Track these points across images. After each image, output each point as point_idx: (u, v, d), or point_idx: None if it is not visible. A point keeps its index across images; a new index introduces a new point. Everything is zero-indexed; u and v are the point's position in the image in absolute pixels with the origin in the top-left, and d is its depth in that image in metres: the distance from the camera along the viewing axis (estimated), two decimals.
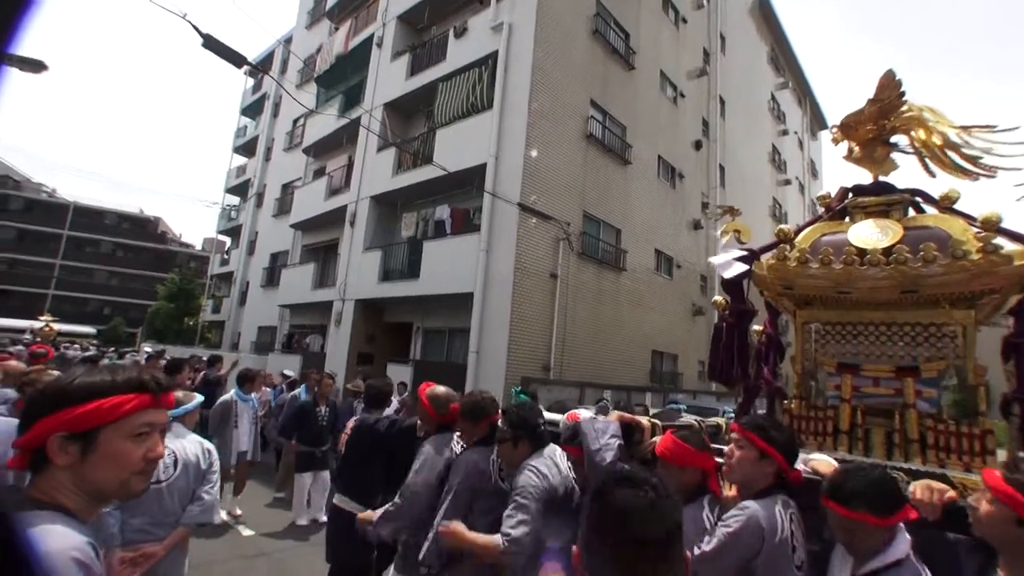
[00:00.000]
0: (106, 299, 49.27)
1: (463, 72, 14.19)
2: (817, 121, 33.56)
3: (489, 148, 12.67)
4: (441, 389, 3.56)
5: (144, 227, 54.58)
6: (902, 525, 1.83)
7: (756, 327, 3.84)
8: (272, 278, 21.60)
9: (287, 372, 12.20)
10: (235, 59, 8.48)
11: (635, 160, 15.55)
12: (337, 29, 20.03)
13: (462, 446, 3.20)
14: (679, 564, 1.25)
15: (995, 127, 2.99)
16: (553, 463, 2.77)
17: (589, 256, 13.65)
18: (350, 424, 4.43)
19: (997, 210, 2.78)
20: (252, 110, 31.11)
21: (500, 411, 3.20)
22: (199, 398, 3.75)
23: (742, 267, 3.43)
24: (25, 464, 1.14)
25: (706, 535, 2.14)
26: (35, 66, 7.20)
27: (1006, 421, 2.80)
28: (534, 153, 12.38)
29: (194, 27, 7.49)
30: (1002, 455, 2.71)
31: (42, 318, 22.55)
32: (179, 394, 3.60)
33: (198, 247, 58.16)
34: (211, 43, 7.75)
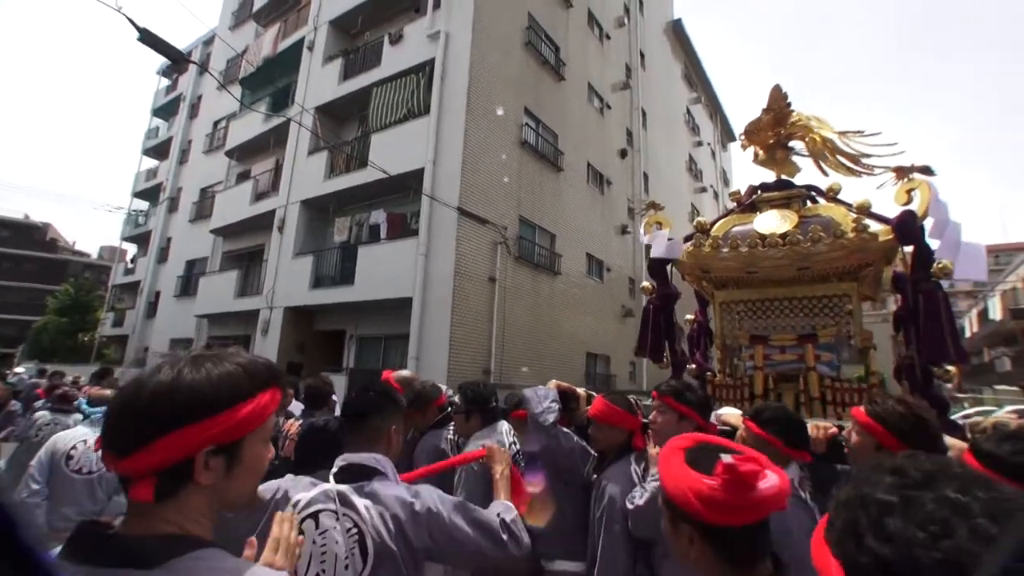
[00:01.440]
0: None
1: (399, 78, 14.25)
2: (727, 134, 35.86)
3: (427, 153, 12.79)
4: (406, 372, 3.86)
5: (29, 234, 49.55)
6: (795, 463, 2.14)
7: (688, 316, 4.49)
8: (188, 287, 20.57)
9: None
10: (173, 54, 8.26)
11: (567, 167, 16.11)
12: (264, 31, 19.53)
13: (452, 435, 3.34)
14: None
15: (863, 132, 3.66)
16: (498, 439, 3.01)
17: (526, 260, 13.99)
18: (292, 428, 4.00)
19: (868, 197, 3.44)
20: (165, 111, 29.39)
21: (444, 394, 3.51)
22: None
23: (670, 245, 3.99)
24: (152, 492, 0.89)
25: (635, 487, 2.39)
26: None
27: (898, 383, 3.39)
28: (500, 111, 12.84)
29: (130, 21, 7.28)
30: None
31: None
32: (106, 390, 3.79)
33: (94, 256, 54.08)
34: (148, 37, 7.54)
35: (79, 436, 3.41)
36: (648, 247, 4.33)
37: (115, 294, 29.59)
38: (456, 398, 3.37)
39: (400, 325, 12.55)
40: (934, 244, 3.22)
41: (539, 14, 15.80)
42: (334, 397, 5.09)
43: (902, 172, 3.34)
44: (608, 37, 20.22)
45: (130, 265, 29.29)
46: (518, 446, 3.15)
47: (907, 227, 3.19)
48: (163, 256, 24.16)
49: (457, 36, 13.37)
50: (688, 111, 28.92)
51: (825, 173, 3.79)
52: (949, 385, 3.60)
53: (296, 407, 7.98)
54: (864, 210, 3.42)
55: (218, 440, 0.93)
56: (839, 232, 3.36)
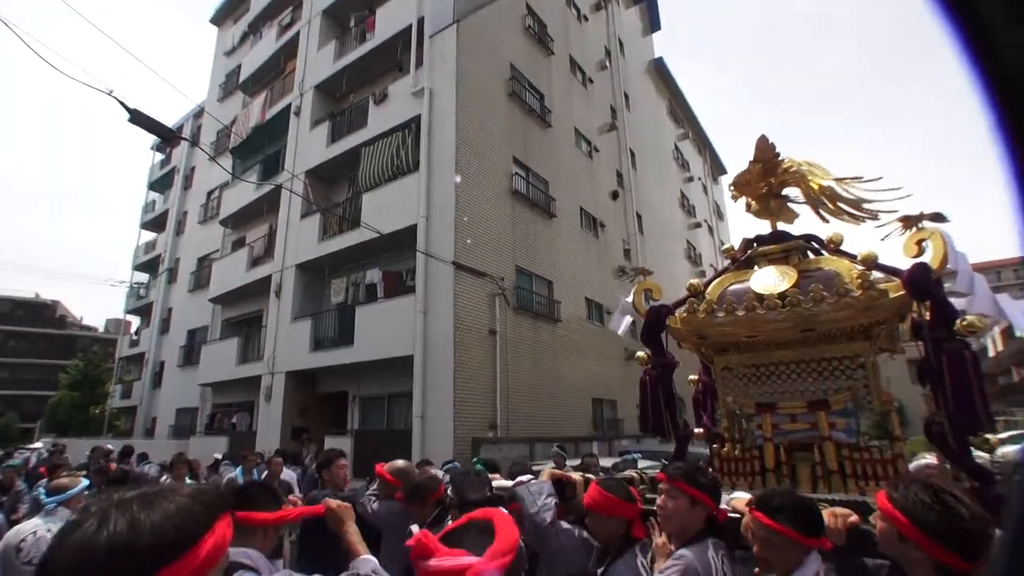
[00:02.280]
0: None
1: (385, 136, 14.17)
2: (717, 167, 35.93)
3: (419, 209, 12.58)
4: (401, 462, 3.67)
5: (40, 312, 50.49)
6: (816, 553, 1.86)
7: (692, 377, 4.13)
8: (191, 356, 20.25)
9: (216, 455, 11.30)
10: (163, 132, 8.21)
11: (559, 213, 15.87)
12: (252, 100, 19.65)
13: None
14: None
15: (862, 178, 3.30)
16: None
17: (525, 309, 13.63)
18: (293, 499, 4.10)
19: (873, 249, 3.07)
20: (161, 184, 29.82)
21: (443, 485, 3.30)
22: (84, 482, 3.78)
23: (627, 320, 3.91)
24: None
25: None
26: None
27: (928, 440, 3.00)
28: (458, 179, 12.42)
29: (121, 103, 7.22)
30: None
31: None
32: (64, 479, 3.73)
33: (101, 329, 54.01)
34: (138, 118, 7.46)
35: (30, 528, 3.35)
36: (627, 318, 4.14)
37: (122, 366, 29.51)
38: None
39: (403, 383, 12.15)
40: (957, 300, 2.90)
41: (521, 64, 15.80)
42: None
43: (910, 221, 2.96)
44: (591, 81, 20.29)
45: (135, 337, 29.27)
46: (522, 540, 2.77)
47: (919, 282, 2.81)
48: (165, 327, 23.98)
49: (441, 91, 13.31)
50: (676, 147, 29.00)
51: (826, 220, 3.44)
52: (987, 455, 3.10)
53: (289, 475, 7.63)
54: (870, 263, 3.05)
55: None
56: (843, 290, 2.98)
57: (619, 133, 21.41)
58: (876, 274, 3.05)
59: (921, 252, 2.89)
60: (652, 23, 28.94)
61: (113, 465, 8.66)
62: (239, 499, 1.98)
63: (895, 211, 3.08)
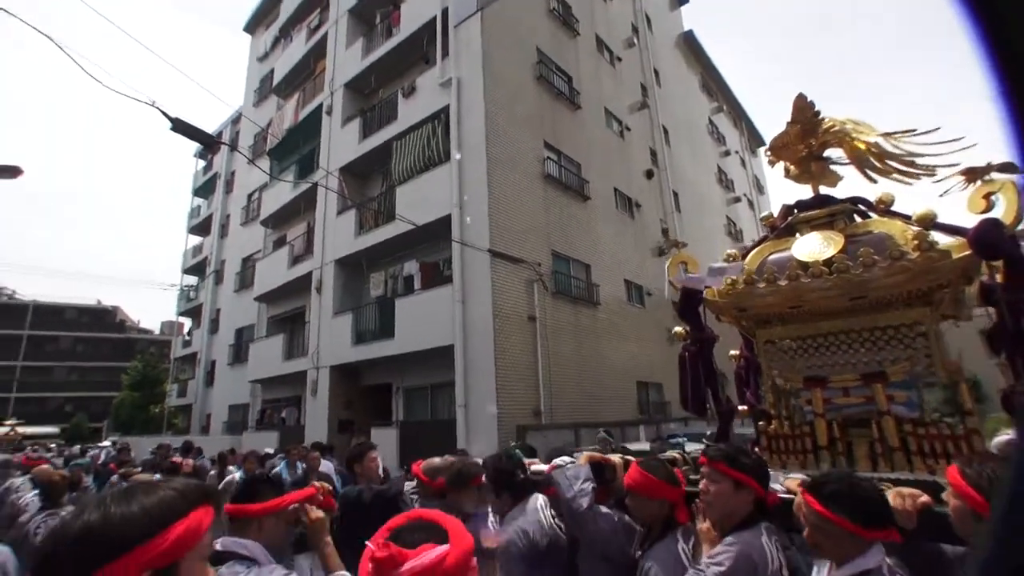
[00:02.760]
0: (67, 395, 47.27)
1: (416, 129, 14.12)
2: (754, 139, 34.77)
3: (452, 199, 12.50)
4: (437, 460, 3.63)
5: (103, 318, 53.04)
6: (880, 545, 1.68)
7: (733, 352, 3.89)
8: (239, 354, 20.75)
9: (266, 450, 11.53)
10: (204, 139, 8.30)
11: (593, 195, 15.57)
12: (285, 103, 19.91)
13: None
14: None
15: (915, 131, 3.00)
16: (535, 517, 2.74)
17: (563, 294, 13.44)
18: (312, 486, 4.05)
19: (931, 207, 2.78)
20: (204, 190, 30.75)
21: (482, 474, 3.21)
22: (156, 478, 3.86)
23: (730, 268, 3.40)
24: None
25: (686, 570, 2.06)
26: (10, 172, 6.73)
27: (1009, 415, 2.70)
28: (480, 175, 12.38)
29: (163, 112, 7.33)
30: None
31: (6, 423, 21.33)
32: (142, 475, 4.05)
33: (157, 332, 56.16)
34: (180, 126, 7.58)
35: None
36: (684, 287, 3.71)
37: (177, 366, 30.57)
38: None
39: (445, 373, 12.12)
40: None
41: (547, 47, 15.50)
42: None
43: (975, 173, 2.63)
44: (619, 59, 19.80)
45: (187, 338, 30.26)
46: (559, 523, 2.76)
47: (988, 239, 2.50)
48: (215, 327, 24.67)
49: (468, 80, 13.16)
50: (711, 122, 28.15)
51: (873, 181, 3.12)
52: None
53: (327, 466, 7.71)
54: (928, 222, 2.75)
55: (154, 565, 0.91)
56: (897, 252, 2.69)
57: (651, 111, 20.86)
58: (935, 235, 2.75)
59: (990, 207, 2.59)
60: None
61: (178, 459, 9.02)
62: (243, 493, 2.08)
63: (956, 164, 2.74)
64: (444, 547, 1.18)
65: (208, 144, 8.65)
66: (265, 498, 2.02)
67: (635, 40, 21.37)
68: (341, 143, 16.39)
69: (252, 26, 26.56)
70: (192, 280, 30.92)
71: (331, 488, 2.32)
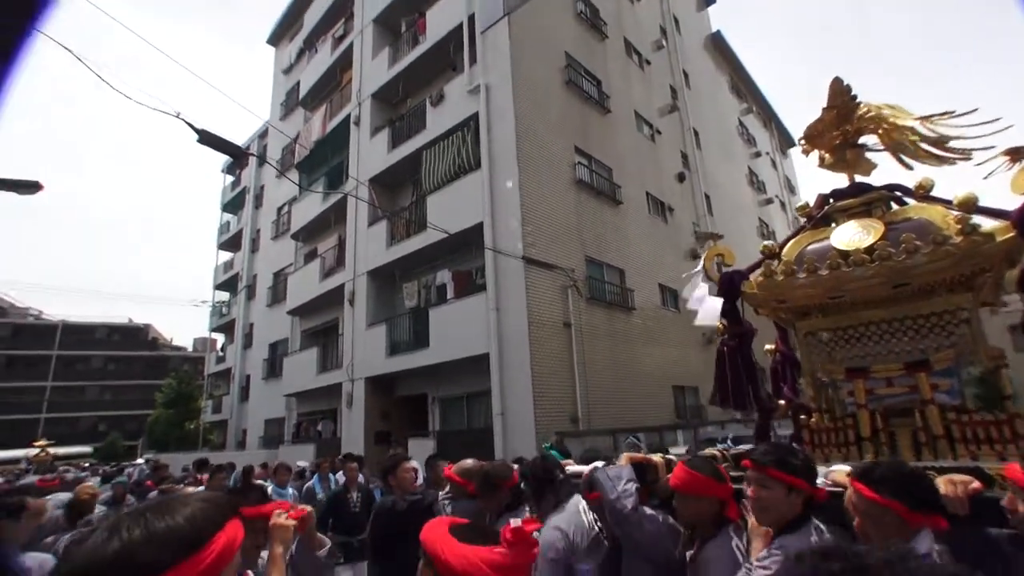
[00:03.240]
0: (100, 415, 47.88)
1: (446, 137, 14.22)
2: (785, 140, 34.36)
3: (483, 207, 12.53)
4: (470, 462, 3.57)
5: (135, 336, 53.78)
6: (928, 531, 1.68)
7: (768, 346, 3.84)
8: (274, 368, 21.05)
9: (300, 463, 11.56)
10: (231, 150, 8.34)
11: (625, 200, 15.50)
12: (312, 115, 20.22)
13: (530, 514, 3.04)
14: None
15: (954, 112, 2.98)
16: (576, 519, 2.69)
17: (598, 300, 13.37)
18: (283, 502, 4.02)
19: (973, 191, 2.77)
20: (233, 205, 31.29)
21: (516, 473, 3.18)
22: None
23: (715, 309, 3.51)
24: None
25: (741, 567, 2.04)
26: (30, 188, 6.87)
27: None
28: (509, 184, 12.33)
29: (189, 124, 7.38)
30: None
31: (37, 444, 21.73)
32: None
33: (189, 348, 57.21)
34: (207, 137, 7.60)
35: None
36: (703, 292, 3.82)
37: (211, 382, 31.09)
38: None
39: (481, 382, 12.13)
40: None
41: (575, 51, 15.52)
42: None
43: (1019, 153, 2.59)
44: (648, 62, 19.74)
45: (220, 354, 30.76)
46: (600, 525, 2.71)
47: None
48: (248, 342, 25.07)
49: (497, 87, 13.22)
50: (741, 123, 27.92)
51: (909, 167, 3.12)
52: None
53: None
54: (970, 206, 2.73)
55: None
56: (940, 237, 2.66)
57: (680, 113, 20.74)
58: (976, 219, 2.73)
59: None
60: None
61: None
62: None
63: (992, 147, 2.73)
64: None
65: (236, 156, 8.71)
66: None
67: (664, 42, 21.32)
68: (370, 154, 16.59)
69: (276, 39, 27.00)
70: (224, 296, 31.51)
71: (310, 510, 2.27)
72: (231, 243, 30.87)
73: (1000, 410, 2.67)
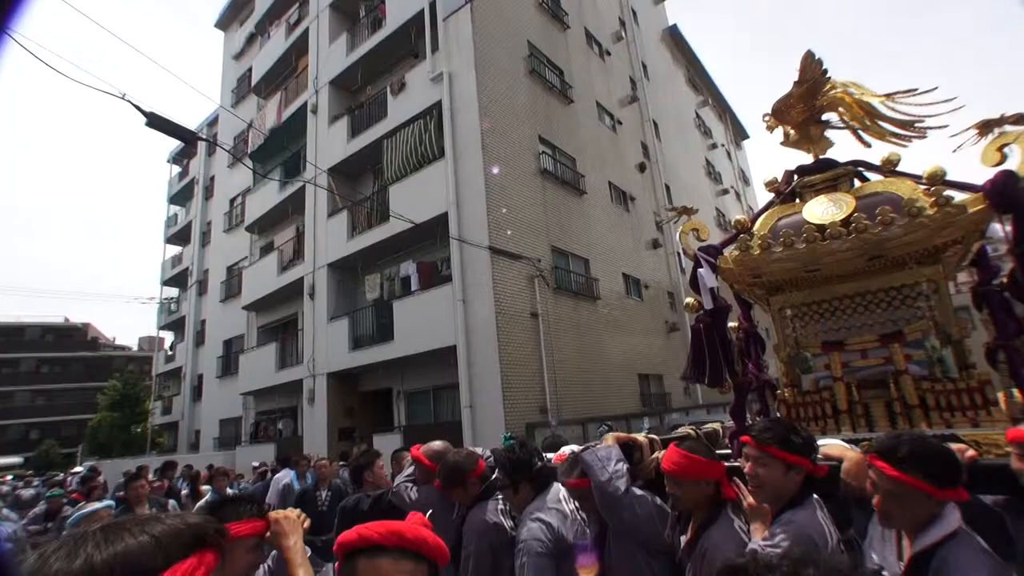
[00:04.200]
0: (31, 421, 45.18)
1: (407, 126, 14.18)
2: (738, 132, 35.50)
3: (448, 196, 12.57)
4: (438, 444, 3.47)
5: (71, 336, 51.25)
6: (953, 504, 1.67)
7: (732, 324, 3.80)
8: (229, 366, 20.64)
9: (255, 463, 11.39)
10: (183, 134, 8.03)
11: (589, 189, 15.76)
12: (266, 103, 19.75)
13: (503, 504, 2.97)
14: None
15: (916, 90, 3.09)
16: (558, 509, 2.68)
17: (564, 290, 13.59)
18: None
19: (939, 165, 2.87)
20: (181, 197, 30.32)
21: (483, 460, 3.11)
22: (108, 503, 3.95)
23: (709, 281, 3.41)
24: None
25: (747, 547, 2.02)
26: None
27: (993, 369, 2.83)
28: (495, 170, 12.44)
29: (136, 106, 7.07)
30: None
31: None
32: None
33: (135, 348, 55.14)
34: (156, 121, 7.30)
35: None
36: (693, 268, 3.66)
37: (160, 383, 30.06)
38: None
39: (448, 375, 12.21)
40: None
41: (538, 40, 15.66)
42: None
43: (988, 126, 2.72)
44: (608, 53, 20.05)
45: (170, 352, 29.86)
46: (582, 514, 2.73)
47: (1006, 191, 2.57)
48: (200, 339, 24.43)
49: (460, 75, 13.24)
50: (697, 115, 28.69)
51: (868, 145, 3.27)
52: None
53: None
54: (939, 179, 2.84)
55: None
56: (914, 209, 2.75)
57: (640, 104, 21.17)
58: (948, 192, 2.84)
59: (1003, 159, 2.67)
60: None
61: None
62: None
63: (946, 126, 2.90)
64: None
65: (187, 141, 8.40)
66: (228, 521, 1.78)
67: (623, 34, 21.72)
68: (329, 143, 16.39)
69: (225, 22, 26.22)
70: (173, 292, 30.53)
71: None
72: (179, 236, 29.86)
73: (970, 377, 2.78)
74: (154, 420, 28.71)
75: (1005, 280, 2.79)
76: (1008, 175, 2.60)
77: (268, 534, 1.88)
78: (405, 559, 1.24)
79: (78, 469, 19.75)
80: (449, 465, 2.97)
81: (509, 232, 12.32)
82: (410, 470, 3.60)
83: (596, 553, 2.59)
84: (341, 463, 8.87)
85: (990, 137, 2.72)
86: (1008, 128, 2.70)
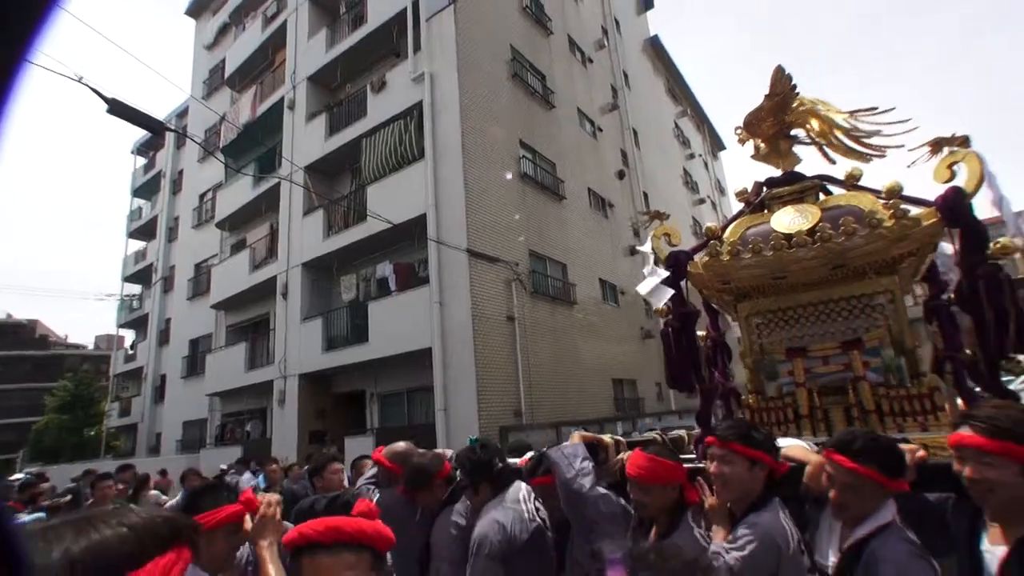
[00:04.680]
0: None
1: (387, 125, 14.30)
2: (715, 143, 36.35)
3: (427, 198, 12.70)
4: (401, 444, 3.45)
5: (16, 333, 48.94)
6: (892, 496, 1.84)
7: (700, 332, 3.91)
8: (195, 366, 20.36)
9: (222, 466, 11.26)
10: (147, 123, 7.81)
11: (568, 195, 16.06)
12: (240, 96, 19.61)
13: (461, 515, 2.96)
14: None
15: (876, 109, 3.35)
16: (515, 510, 2.68)
17: (541, 294, 13.83)
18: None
19: (898, 179, 3.07)
20: (146, 190, 29.67)
21: (448, 463, 3.12)
22: (37, 515, 3.86)
23: (668, 291, 3.50)
24: None
25: (706, 553, 2.05)
26: None
27: (940, 378, 3.02)
28: (509, 176, 12.94)
29: (95, 91, 6.76)
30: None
31: None
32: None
33: (91, 346, 53.61)
34: (118, 108, 7.03)
35: None
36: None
37: (118, 383, 29.28)
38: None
39: (422, 377, 12.31)
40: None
41: (521, 45, 15.93)
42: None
43: (939, 145, 2.96)
44: (591, 61, 20.47)
45: (130, 352, 29.16)
46: (543, 512, 2.79)
47: (955, 206, 2.79)
48: (164, 338, 24.00)
49: (442, 76, 13.41)
50: (676, 125, 29.34)
51: (832, 161, 3.51)
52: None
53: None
54: (896, 193, 3.07)
55: None
56: (875, 221, 2.97)
57: (620, 112, 21.60)
58: (905, 206, 3.07)
59: (952, 176, 2.87)
60: (645, 1, 29.29)
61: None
62: (187, 507, 1.96)
63: (901, 145, 3.17)
64: None
65: (154, 131, 8.26)
66: (207, 509, 1.84)
67: (605, 42, 22.16)
68: (306, 140, 16.41)
69: (196, 10, 25.76)
70: (135, 289, 29.86)
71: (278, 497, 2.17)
72: (144, 231, 29.18)
73: (920, 384, 2.98)
74: (110, 422, 27.96)
75: (952, 295, 2.95)
76: (957, 191, 2.82)
77: (249, 527, 1.93)
78: (345, 552, 1.29)
79: (17, 476, 18.99)
80: (414, 467, 3.01)
81: (517, 216, 12.61)
82: (372, 471, 3.60)
83: (557, 554, 2.68)
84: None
85: (941, 155, 2.96)
86: (957, 148, 2.93)
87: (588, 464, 2.58)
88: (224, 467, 11.33)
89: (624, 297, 17.89)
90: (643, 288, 3.59)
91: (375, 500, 3.20)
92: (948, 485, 1.91)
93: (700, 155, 32.17)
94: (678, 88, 31.08)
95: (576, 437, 2.80)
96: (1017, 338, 2.60)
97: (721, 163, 38.32)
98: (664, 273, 3.62)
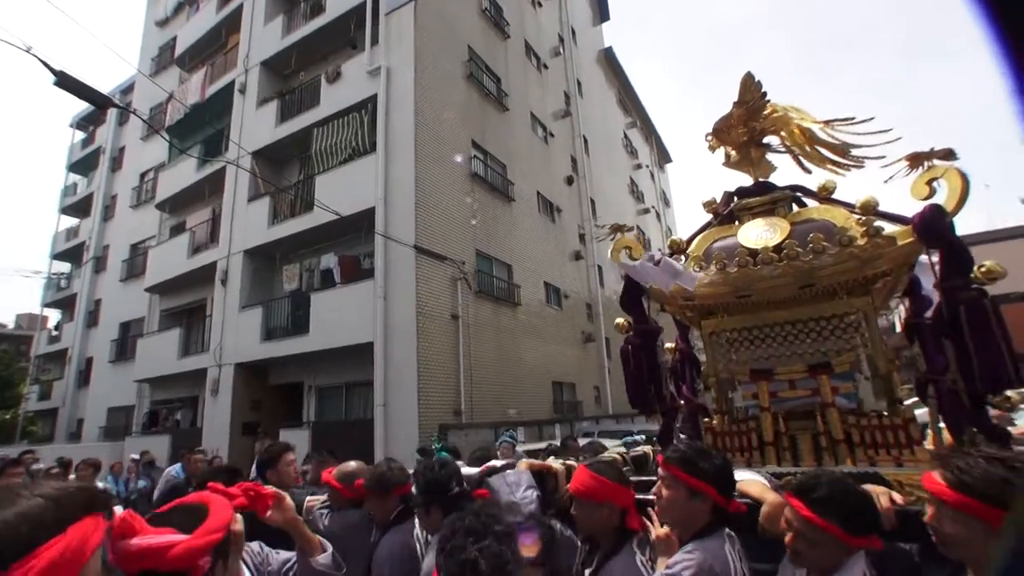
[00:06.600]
0: None
1: (340, 116, 13.89)
2: (663, 155, 37.03)
3: (376, 192, 12.41)
4: (353, 464, 3.22)
5: None
6: (862, 551, 1.61)
7: (669, 344, 3.74)
8: (124, 350, 19.27)
9: (134, 456, 10.78)
10: (95, 98, 7.45)
11: (518, 197, 15.99)
12: (190, 76, 18.81)
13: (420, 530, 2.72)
14: None
15: (853, 119, 3.08)
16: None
17: (486, 294, 13.68)
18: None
19: (873, 194, 2.81)
20: (83, 166, 27.93)
21: (410, 484, 2.85)
22: None
23: (691, 277, 3.18)
24: None
25: None
26: None
27: (923, 403, 2.80)
28: (459, 158, 12.75)
29: (44, 63, 6.51)
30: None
31: None
32: None
33: (11, 325, 50.38)
34: (65, 80, 6.76)
35: None
36: (632, 274, 3.46)
37: (38, 365, 27.55)
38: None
39: (362, 372, 12.00)
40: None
41: (478, 46, 15.80)
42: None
43: (918, 159, 2.68)
44: (546, 67, 20.47)
45: (54, 332, 27.43)
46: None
47: (934, 225, 2.53)
48: (92, 320, 22.74)
49: (398, 71, 13.15)
50: (625, 135, 29.70)
51: (808, 171, 3.24)
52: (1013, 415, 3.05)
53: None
54: (871, 209, 2.80)
55: None
56: (846, 239, 2.72)
57: (572, 119, 21.71)
58: (877, 222, 2.80)
59: (932, 193, 2.61)
60: (602, 13, 29.68)
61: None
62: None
63: (882, 156, 2.87)
64: (178, 537, 1.13)
65: (100, 105, 7.81)
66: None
67: (561, 50, 22.21)
68: (255, 125, 15.75)
69: None
70: (64, 267, 28.10)
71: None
72: (78, 208, 27.42)
73: (895, 413, 2.71)
74: (28, 406, 26.30)
75: (932, 314, 2.72)
76: (936, 209, 2.56)
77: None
78: None
79: None
80: (379, 472, 2.81)
81: (474, 222, 12.41)
82: (323, 496, 3.28)
83: None
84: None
85: (920, 170, 2.68)
86: (937, 163, 2.66)
87: (532, 493, 2.40)
88: (135, 456, 10.80)
89: (568, 301, 18.00)
90: (668, 271, 3.16)
91: (326, 524, 2.99)
92: (921, 535, 1.64)
93: (647, 166, 32.63)
94: (629, 100, 31.43)
95: (523, 465, 2.64)
96: (1012, 370, 2.33)
97: (667, 175, 39.06)
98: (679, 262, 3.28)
